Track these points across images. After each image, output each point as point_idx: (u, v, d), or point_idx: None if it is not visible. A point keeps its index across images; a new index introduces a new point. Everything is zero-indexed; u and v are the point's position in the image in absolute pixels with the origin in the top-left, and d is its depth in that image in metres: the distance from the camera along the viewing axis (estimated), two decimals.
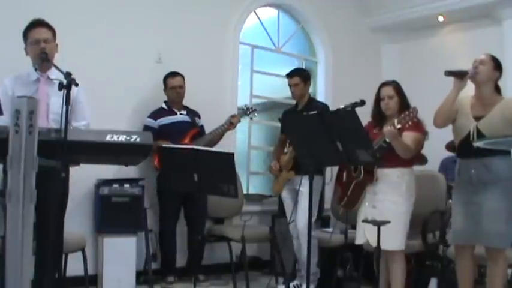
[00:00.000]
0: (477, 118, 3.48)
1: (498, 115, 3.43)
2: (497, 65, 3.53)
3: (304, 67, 6.16)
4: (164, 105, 5.04)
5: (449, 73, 3.48)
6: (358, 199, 3.86)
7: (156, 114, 4.99)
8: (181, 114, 5.03)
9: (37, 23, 3.36)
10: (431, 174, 4.71)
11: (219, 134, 4.97)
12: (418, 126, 3.70)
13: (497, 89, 3.56)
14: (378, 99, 3.88)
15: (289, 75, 4.80)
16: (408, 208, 3.76)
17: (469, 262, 3.61)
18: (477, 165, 3.46)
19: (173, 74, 5.03)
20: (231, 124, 4.96)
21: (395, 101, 3.81)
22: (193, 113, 5.09)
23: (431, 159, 4.41)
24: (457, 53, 5.97)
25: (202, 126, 5.10)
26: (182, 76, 5.05)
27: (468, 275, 3.62)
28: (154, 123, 4.94)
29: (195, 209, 4.88)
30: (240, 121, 5.09)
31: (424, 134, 3.78)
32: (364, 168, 3.75)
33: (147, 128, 4.87)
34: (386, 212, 3.63)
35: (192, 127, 4.99)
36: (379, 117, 3.87)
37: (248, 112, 5.08)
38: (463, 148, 3.57)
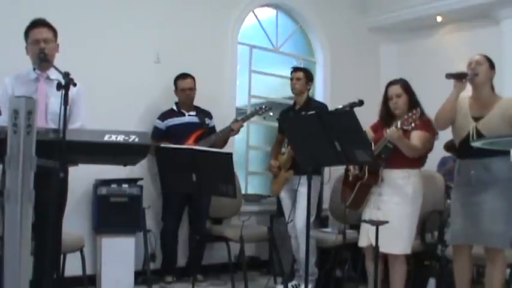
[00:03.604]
0: (476, 118, 3.49)
1: (498, 115, 3.43)
2: (492, 64, 3.54)
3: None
4: (174, 107, 5.06)
5: (450, 76, 3.48)
6: (364, 200, 3.79)
7: (165, 115, 5.01)
8: (189, 115, 5.03)
9: (38, 23, 3.35)
10: (429, 174, 4.70)
11: (222, 138, 4.95)
12: (426, 125, 3.65)
13: (492, 89, 3.57)
14: (385, 99, 3.82)
15: (295, 69, 4.84)
16: (414, 211, 3.70)
17: (466, 262, 3.60)
18: (477, 166, 3.46)
19: (184, 76, 5.03)
20: (231, 130, 4.95)
21: (403, 100, 3.74)
22: (204, 114, 5.09)
23: (430, 159, 4.40)
24: (456, 53, 5.97)
25: (213, 127, 5.10)
26: (193, 78, 5.05)
27: (466, 275, 3.62)
28: (162, 124, 4.97)
29: (197, 209, 4.88)
30: (242, 126, 5.05)
31: (434, 134, 3.71)
32: (369, 169, 3.70)
33: (155, 129, 4.93)
34: (391, 214, 3.56)
35: (200, 128, 4.99)
36: (388, 117, 3.81)
37: (261, 112, 5.03)
38: (462, 149, 3.57)
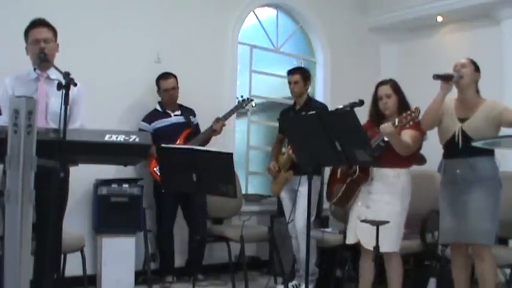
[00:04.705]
0: (461, 120, 3.59)
1: (482, 117, 3.54)
2: (476, 68, 3.65)
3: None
4: (158, 107, 4.99)
5: (437, 77, 3.57)
6: (351, 197, 3.80)
7: (150, 117, 4.93)
8: (175, 115, 4.97)
9: (38, 23, 3.35)
10: (429, 174, 4.71)
11: (206, 138, 4.90)
12: (417, 124, 3.67)
13: (477, 91, 3.67)
14: (375, 99, 3.84)
15: (291, 72, 4.80)
16: (402, 209, 3.71)
17: (463, 261, 3.66)
18: (462, 165, 3.55)
19: (166, 76, 4.95)
20: (214, 131, 4.89)
21: (393, 100, 3.77)
22: (188, 112, 5.04)
23: (430, 159, 4.41)
24: (456, 53, 5.93)
25: (197, 125, 5.05)
26: (175, 77, 4.98)
27: (463, 274, 3.67)
28: (149, 127, 4.85)
29: (194, 209, 4.87)
30: (224, 125, 4.95)
31: (423, 133, 3.74)
32: (360, 166, 3.70)
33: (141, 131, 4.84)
34: (381, 213, 3.57)
35: (187, 127, 4.95)
36: (378, 117, 3.82)
37: (244, 104, 4.96)
38: (448, 149, 3.68)
